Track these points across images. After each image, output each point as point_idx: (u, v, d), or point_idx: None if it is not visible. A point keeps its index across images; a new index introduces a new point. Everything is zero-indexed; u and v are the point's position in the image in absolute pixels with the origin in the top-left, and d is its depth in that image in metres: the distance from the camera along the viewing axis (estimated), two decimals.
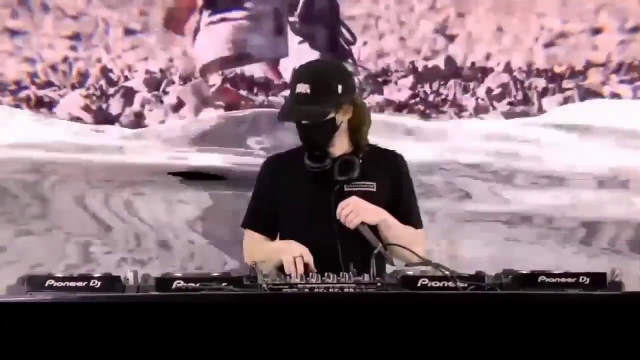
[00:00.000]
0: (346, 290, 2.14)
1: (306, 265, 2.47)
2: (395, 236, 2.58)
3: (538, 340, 1.99)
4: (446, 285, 2.11)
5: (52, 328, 1.96)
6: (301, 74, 2.64)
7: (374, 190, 2.69)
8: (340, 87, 2.61)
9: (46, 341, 1.95)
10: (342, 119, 2.66)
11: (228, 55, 4.82)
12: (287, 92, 4.24)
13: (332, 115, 2.61)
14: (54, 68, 4.98)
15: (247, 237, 2.76)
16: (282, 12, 5.06)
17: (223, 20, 4.92)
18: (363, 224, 2.56)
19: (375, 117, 2.83)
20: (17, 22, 4.96)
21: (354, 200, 2.58)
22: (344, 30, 5.05)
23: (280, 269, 2.58)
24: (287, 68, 5.06)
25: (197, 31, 4.97)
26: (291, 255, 2.47)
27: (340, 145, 2.71)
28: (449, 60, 5.11)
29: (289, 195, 2.71)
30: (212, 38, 4.89)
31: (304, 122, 2.62)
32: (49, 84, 4.99)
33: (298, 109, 2.59)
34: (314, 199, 2.67)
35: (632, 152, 4.83)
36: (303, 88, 2.58)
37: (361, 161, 2.66)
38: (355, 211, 2.55)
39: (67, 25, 5.00)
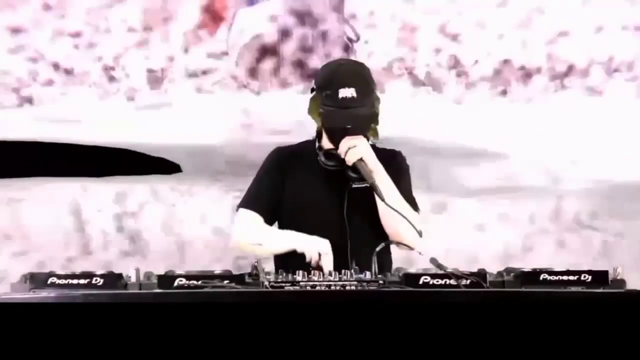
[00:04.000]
0: (348, 287, 2.14)
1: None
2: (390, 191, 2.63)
3: (540, 337, 1.99)
4: (448, 282, 2.11)
5: (53, 325, 1.97)
6: (340, 76, 2.64)
7: None
8: (374, 86, 2.67)
9: (47, 338, 1.96)
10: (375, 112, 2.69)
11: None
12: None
13: (373, 112, 2.66)
14: (56, 66, 4.98)
15: (242, 216, 2.72)
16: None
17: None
18: (361, 160, 2.60)
19: None
20: (19, 19, 4.96)
21: (360, 139, 2.63)
22: (347, 28, 5.04)
23: (283, 258, 2.58)
24: None
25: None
26: (316, 250, 2.48)
27: None
28: (451, 59, 5.10)
29: (299, 188, 2.71)
30: (251, 19, 4.92)
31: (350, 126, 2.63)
32: (50, 82, 4.99)
33: (347, 113, 2.60)
34: (325, 195, 2.67)
35: None
36: (348, 92, 2.59)
37: None
38: (359, 147, 2.61)
39: (69, 23, 4.99)
